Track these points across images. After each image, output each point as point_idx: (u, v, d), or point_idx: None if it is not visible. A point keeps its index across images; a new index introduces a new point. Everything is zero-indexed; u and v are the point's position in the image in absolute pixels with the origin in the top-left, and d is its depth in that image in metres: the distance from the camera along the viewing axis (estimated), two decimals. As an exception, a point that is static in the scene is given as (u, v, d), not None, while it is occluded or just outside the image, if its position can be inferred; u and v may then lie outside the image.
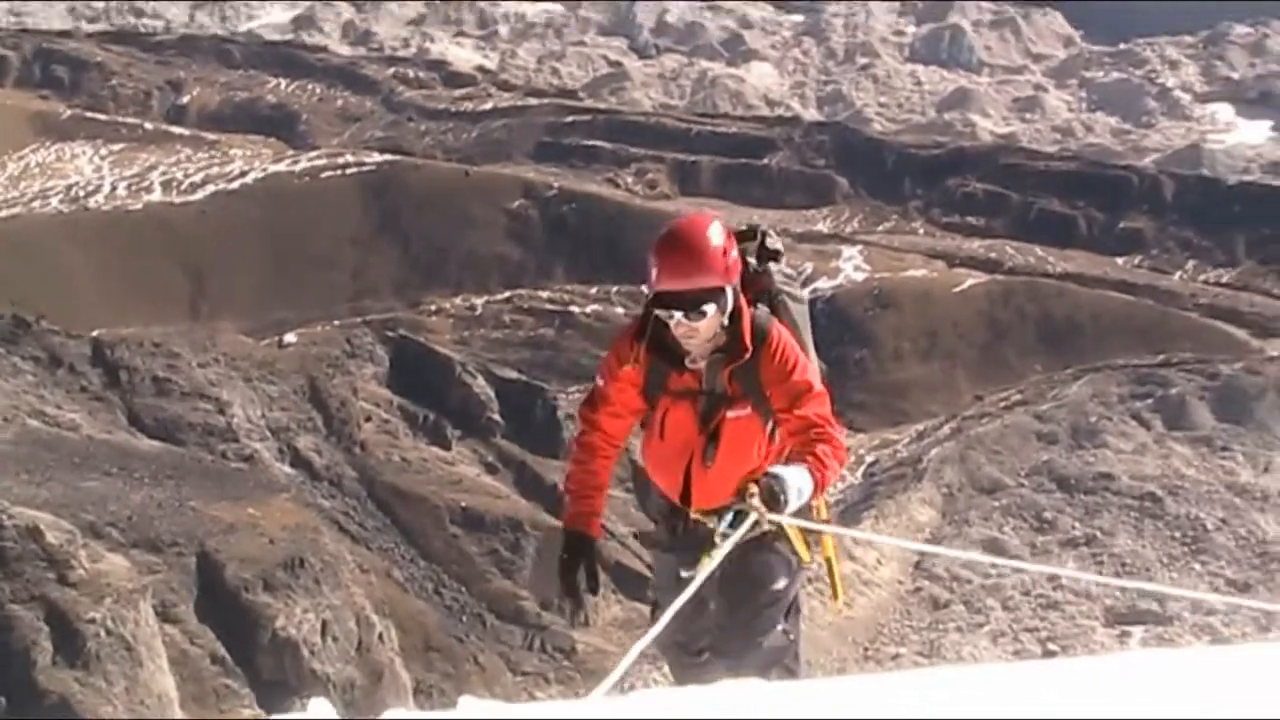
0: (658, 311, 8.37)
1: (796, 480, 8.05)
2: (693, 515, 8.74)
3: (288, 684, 54.17)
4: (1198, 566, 63.25)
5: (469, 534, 60.52)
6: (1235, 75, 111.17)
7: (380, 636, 59.79)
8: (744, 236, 8.98)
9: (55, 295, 74.81)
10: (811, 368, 8.78)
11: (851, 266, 79.35)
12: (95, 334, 71.49)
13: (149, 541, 60.90)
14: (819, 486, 8.26)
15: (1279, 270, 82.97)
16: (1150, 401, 71.63)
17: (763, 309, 8.69)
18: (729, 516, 8.08)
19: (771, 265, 9.00)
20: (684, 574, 8.20)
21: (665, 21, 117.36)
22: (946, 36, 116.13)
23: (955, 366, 74.31)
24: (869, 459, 70.44)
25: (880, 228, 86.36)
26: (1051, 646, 55.28)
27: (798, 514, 8.47)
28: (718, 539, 7.95)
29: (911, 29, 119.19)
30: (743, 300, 8.56)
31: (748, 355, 8.48)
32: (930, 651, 55.33)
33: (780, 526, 8.39)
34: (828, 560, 9.30)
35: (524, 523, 61.51)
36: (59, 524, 59.83)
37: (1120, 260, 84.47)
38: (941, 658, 53.05)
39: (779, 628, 9.00)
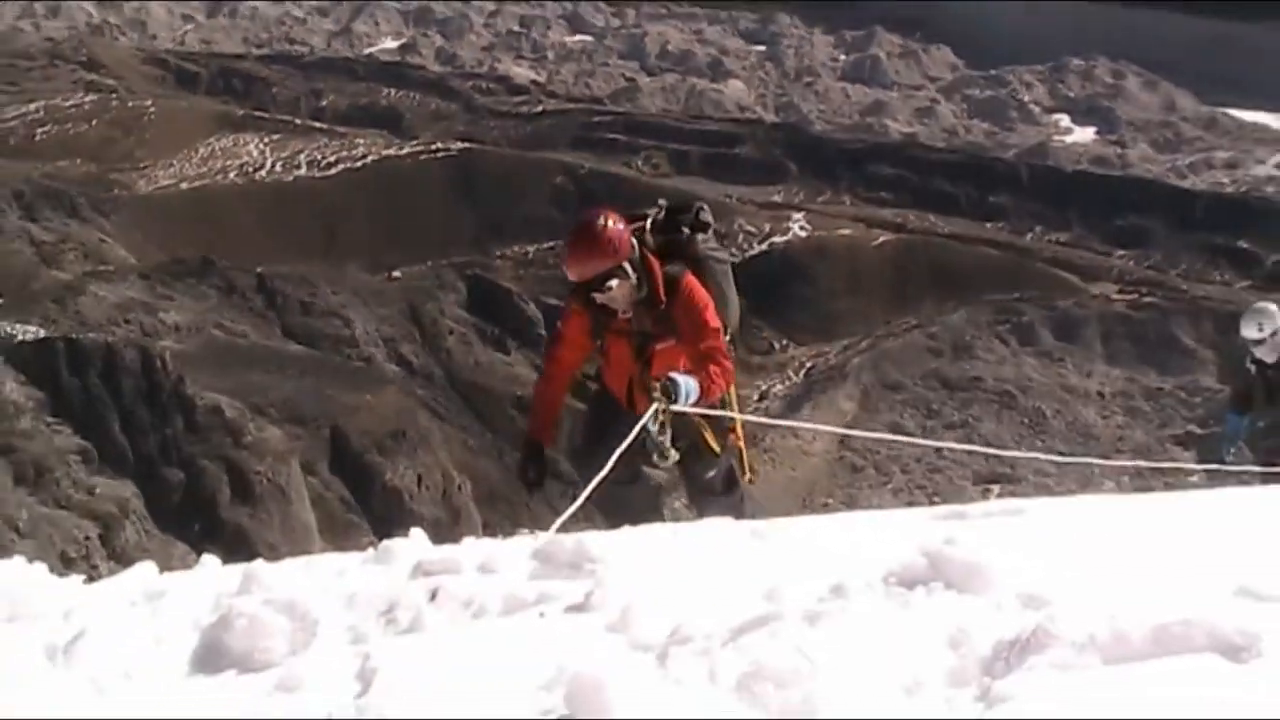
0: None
1: (687, 384, 8.08)
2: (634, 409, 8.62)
3: (394, 520, 54.23)
4: (1039, 443, 63.17)
5: (521, 415, 60.27)
6: (1071, 94, 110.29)
7: (459, 487, 59.84)
8: (680, 210, 8.97)
9: (231, 242, 74.65)
10: (718, 311, 8.73)
11: (797, 227, 78.96)
12: (259, 270, 71.34)
13: (296, 418, 60.94)
14: (705, 392, 8.24)
15: (1101, 233, 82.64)
16: (1008, 326, 71.54)
17: (677, 265, 8.60)
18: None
19: (699, 236, 8.92)
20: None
21: (666, 50, 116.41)
22: (868, 63, 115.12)
23: (871, 299, 74.04)
24: (808, 364, 70.29)
25: (819, 199, 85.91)
26: (935, 499, 55.39)
27: (711, 423, 8.82)
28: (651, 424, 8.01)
29: (843, 57, 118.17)
30: (651, 262, 8.51)
31: (661, 304, 8.48)
32: (850, 502, 55.40)
33: (694, 424, 8.56)
34: (739, 448, 9.47)
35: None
36: (234, 404, 59.87)
37: (989, 225, 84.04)
38: (858, 506, 53.17)
39: (722, 496, 9.14)
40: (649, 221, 8.81)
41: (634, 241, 8.45)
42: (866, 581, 4.72)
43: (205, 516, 56.50)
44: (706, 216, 8.98)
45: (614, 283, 8.30)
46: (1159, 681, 3.41)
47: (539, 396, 9.25)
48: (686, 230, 8.86)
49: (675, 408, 8.06)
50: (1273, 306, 12.96)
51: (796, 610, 4.46)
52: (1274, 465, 12.37)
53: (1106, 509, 7.14)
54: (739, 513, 8.45)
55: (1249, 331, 12.86)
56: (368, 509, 58.12)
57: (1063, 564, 4.76)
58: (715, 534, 6.45)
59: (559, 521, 6.36)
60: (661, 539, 6.22)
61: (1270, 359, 12.76)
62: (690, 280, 8.55)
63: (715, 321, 8.56)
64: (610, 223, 8.38)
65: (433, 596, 5.40)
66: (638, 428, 7.83)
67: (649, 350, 8.60)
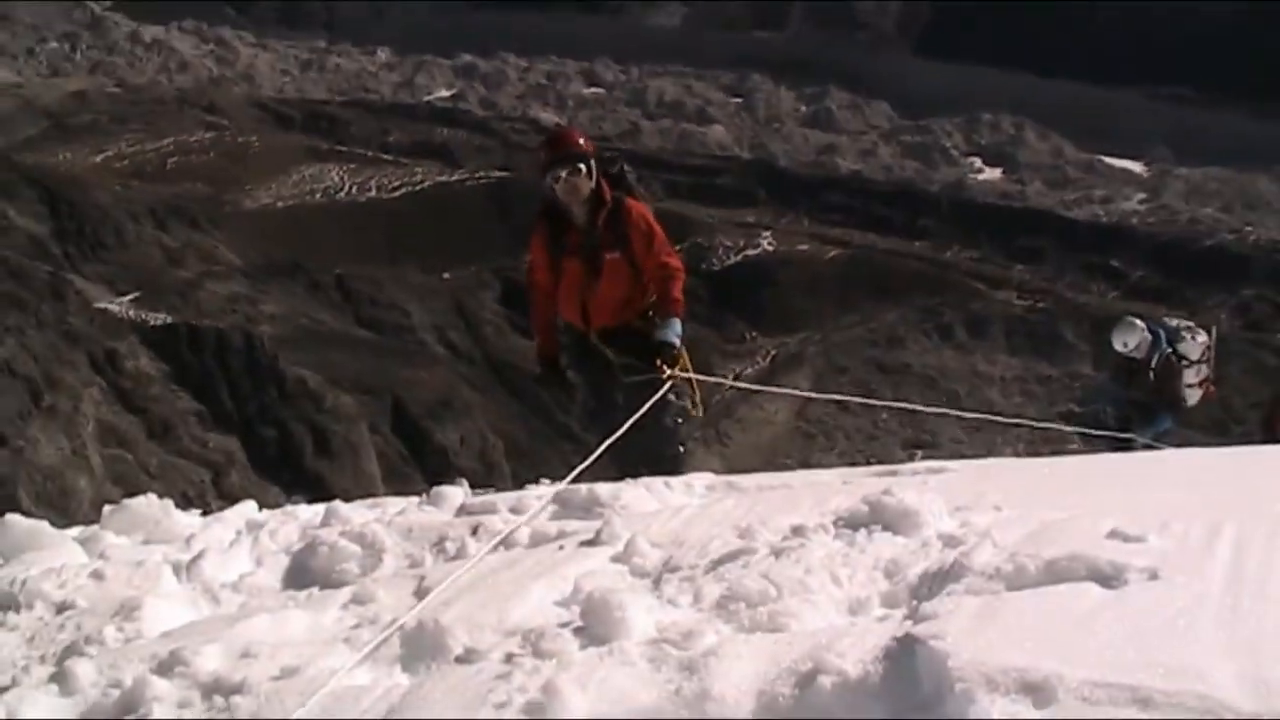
0: (548, 179, 7.93)
1: (674, 331, 7.84)
2: (592, 338, 8.20)
3: (440, 471, 54.27)
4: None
5: (538, 385, 60.59)
6: (983, 141, 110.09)
7: (493, 446, 59.90)
8: (609, 162, 8.35)
9: (316, 249, 74.57)
10: (657, 224, 8.18)
11: (765, 242, 78.92)
12: (338, 271, 71.39)
13: (365, 388, 61.00)
14: (680, 314, 7.96)
15: (1005, 251, 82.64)
16: (931, 324, 71.58)
17: (622, 190, 8.14)
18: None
19: (625, 169, 8.44)
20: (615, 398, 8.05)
21: (663, 100, 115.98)
22: (823, 113, 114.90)
23: (823, 301, 73.95)
24: (772, 352, 70.29)
25: (782, 221, 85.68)
26: (872, 460, 55.35)
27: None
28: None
29: (803, 107, 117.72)
30: (602, 179, 8.00)
31: (608, 205, 7.96)
32: (804, 462, 55.33)
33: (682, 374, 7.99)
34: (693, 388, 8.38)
35: (576, 387, 61.81)
36: (316, 377, 59.95)
37: (917, 243, 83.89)
38: (810, 465, 53.16)
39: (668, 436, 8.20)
40: None
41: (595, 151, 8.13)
42: (820, 524, 4.72)
43: (293, 466, 56.65)
44: (621, 166, 8.48)
45: (582, 169, 7.86)
46: (1049, 602, 3.43)
47: (536, 323, 8.66)
48: (614, 171, 8.30)
49: (681, 374, 7.90)
50: (1138, 322, 12.93)
51: (764, 546, 4.47)
52: (1129, 436, 12.50)
53: (1008, 469, 7.17)
54: (676, 437, 8.26)
55: (1117, 345, 12.85)
56: (420, 462, 58.20)
57: (976, 512, 4.77)
58: (701, 485, 6.45)
59: (571, 477, 6.11)
60: (657, 488, 6.22)
61: (1139, 356, 12.79)
62: (634, 201, 8.16)
63: (662, 232, 8.15)
64: (582, 135, 8.31)
65: (474, 531, 5.41)
66: (651, 402, 7.42)
67: (599, 259, 7.97)
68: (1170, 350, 12.68)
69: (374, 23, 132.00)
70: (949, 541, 4.36)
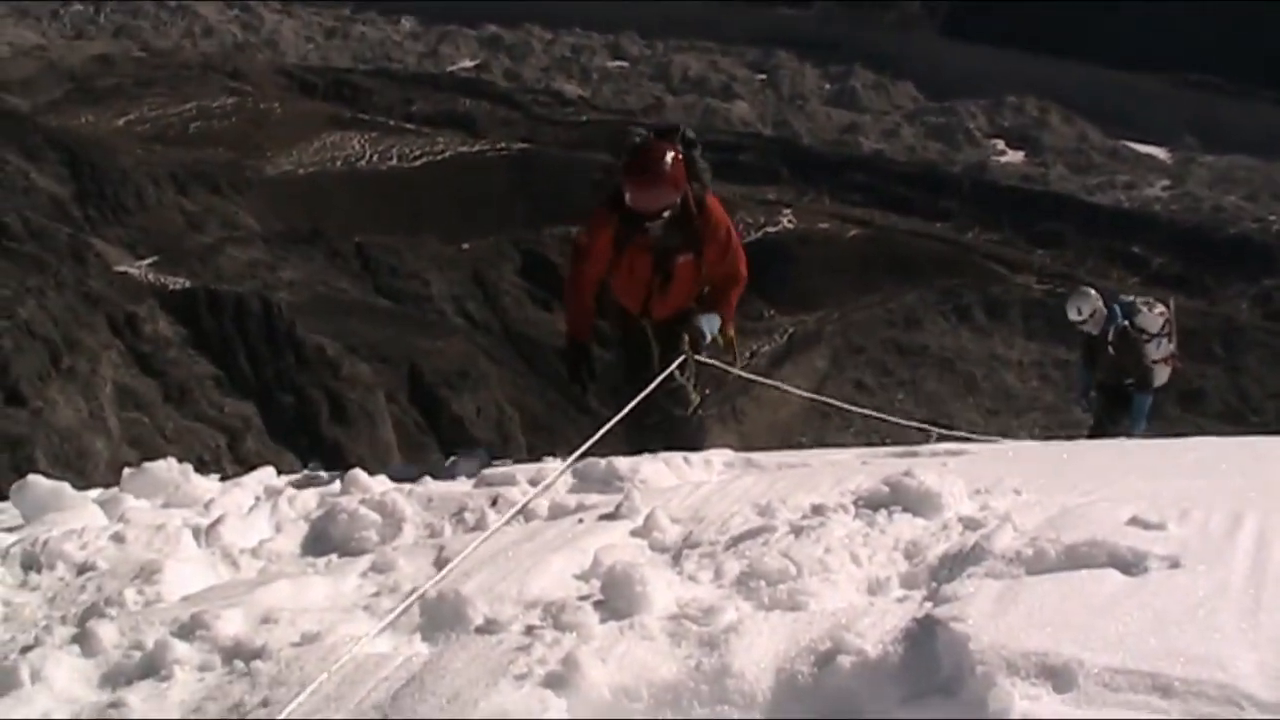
0: (637, 218, 7.25)
1: (710, 326, 7.45)
2: (644, 324, 7.74)
3: (456, 442, 54.37)
4: (970, 400, 63.34)
5: (562, 362, 60.77)
6: (1006, 124, 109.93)
7: (509, 417, 60.04)
8: (670, 133, 7.52)
9: (336, 217, 74.78)
10: (735, 231, 7.72)
11: (786, 220, 78.89)
12: (357, 239, 71.50)
13: (383, 357, 61.17)
14: (726, 319, 7.65)
15: (1025, 235, 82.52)
16: (950, 305, 71.59)
17: (697, 185, 7.40)
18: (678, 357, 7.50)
19: (693, 152, 7.51)
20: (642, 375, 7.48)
21: (687, 75, 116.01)
22: (847, 92, 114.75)
23: (842, 280, 73.90)
24: (790, 330, 70.25)
25: (804, 199, 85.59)
26: (887, 441, 55.45)
27: (714, 349, 7.86)
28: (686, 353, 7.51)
29: (827, 86, 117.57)
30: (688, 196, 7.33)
31: (695, 221, 7.28)
32: (819, 441, 55.37)
33: (710, 346, 7.66)
34: (730, 341, 8.03)
35: (595, 360, 61.89)
36: (334, 345, 60.12)
37: (938, 224, 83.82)
38: (826, 444, 53.21)
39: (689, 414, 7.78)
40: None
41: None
42: (840, 504, 4.72)
43: (309, 433, 56.84)
44: (692, 135, 7.68)
45: (668, 212, 7.21)
46: (1070, 588, 3.44)
47: (573, 308, 7.88)
48: (683, 150, 7.48)
49: (700, 359, 7.64)
50: (1091, 291, 12.88)
51: (784, 524, 4.47)
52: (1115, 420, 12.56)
53: (1027, 453, 7.16)
54: (694, 424, 7.87)
55: (1070, 314, 12.78)
56: (436, 432, 58.38)
57: (995, 495, 4.77)
58: (720, 461, 6.45)
59: (582, 449, 6.04)
60: (675, 464, 6.22)
61: (1096, 332, 12.74)
62: (715, 201, 7.54)
63: (738, 238, 7.69)
64: (675, 156, 7.20)
65: (494, 502, 5.42)
66: (662, 376, 7.17)
67: (670, 263, 7.45)
68: (1126, 323, 12.62)
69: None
70: (969, 524, 4.36)
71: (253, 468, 6.96)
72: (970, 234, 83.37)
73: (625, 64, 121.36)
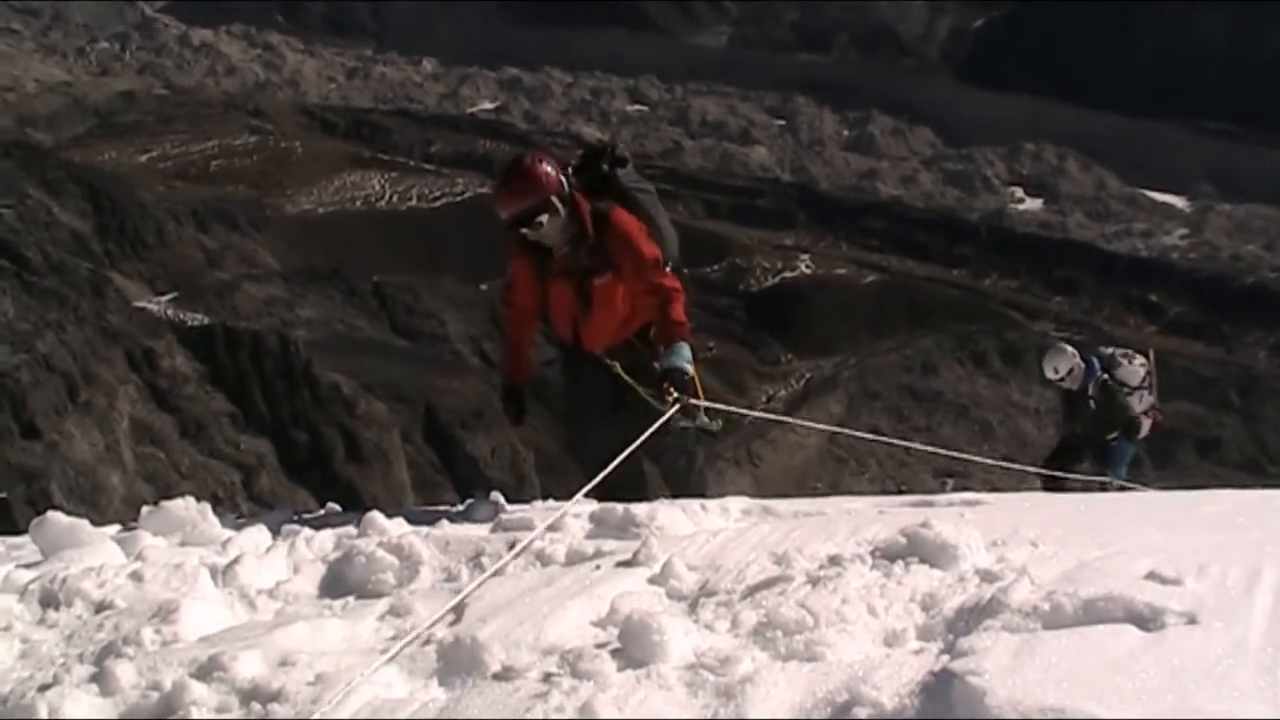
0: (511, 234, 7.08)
1: (682, 360, 6.83)
2: (591, 352, 7.31)
3: (471, 481, 54.42)
4: (986, 446, 63.13)
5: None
6: (1024, 171, 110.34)
7: (524, 459, 59.98)
8: (600, 152, 7.43)
9: (355, 256, 75.09)
10: (657, 241, 7.24)
11: (804, 265, 79.08)
12: (375, 278, 71.76)
13: (398, 396, 61.27)
14: (686, 339, 7.00)
15: (1043, 282, 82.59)
16: (966, 352, 71.62)
17: (605, 201, 7.11)
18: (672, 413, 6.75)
19: (619, 170, 7.37)
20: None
21: (706, 119, 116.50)
22: (865, 138, 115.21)
23: (859, 325, 74.01)
24: (807, 375, 70.34)
25: (821, 244, 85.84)
26: (903, 488, 55.36)
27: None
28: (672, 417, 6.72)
29: (846, 131, 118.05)
30: (579, 199, 7.03)
31: (590, 238, 6.98)
32: (835, 487, 55.41)
33: (694, 396, 6.88)
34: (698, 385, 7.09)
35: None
36: (350, 383, 60.23)
37: (955, 271, 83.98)
38: (841, 490, 53.20)
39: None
40: (570, 167, 7.37)
41: (563, 179, 7.05)
42: (857, 554, 4.73)
43: (323, 471, 56.88)
44: (623, 152, 7.49)
45: (544, 218, 6.92)
46: (1087, 643, 3.44)
47: (507, 345, 7.83)
48: (605, 167, 7.39)
49: (696, 402, 6.92)
50: (1067, 348, 12.72)
51: (801, 574, 4.48)
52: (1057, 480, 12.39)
53: (1044, 504, 7.15)
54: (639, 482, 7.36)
55: (1047, 373, 12.60)
56: (451, 472, 58.42)
57: (1012, 547, 4.77)
58: (736, 508, 6.45)
59: (576, 498, 5.96)
60: (692, 510, 6.22)
61: (1075, 388, 12.60)
62: (620, 213, 7.13)
63: (652, 250, 7.13)
64: (537, 161, 7.04)
65: (511, 547, 5.43)
66: (655, 426, 6.57)
67: (588, 285, 7.12)
68: (1106, 377, 12.48)
69: (422, 34, 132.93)
70: (986, 577, 4.36)
71: (267, 505, 6.97)
72: (987, 281, 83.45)
73: (644, 108, 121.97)
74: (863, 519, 5.74)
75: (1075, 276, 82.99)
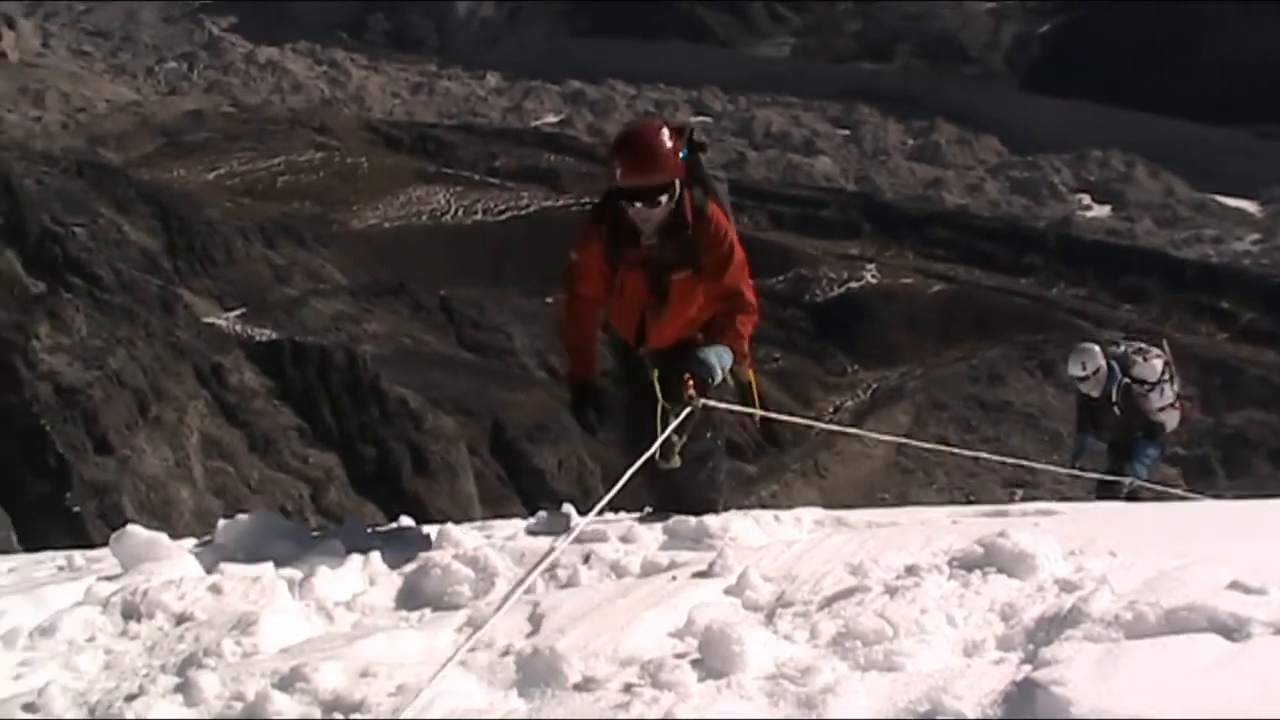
0: (621, 202, 6.49)
1: (719, 360, 6.37)
2: (641, 354, 6.84)
3: (537, 495, 54.50)
4: (1055, 456, 62.40)
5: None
6: (1091, 178, 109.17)
7: (590, 471, 59.95)
8: (680, 134, 6.69)
9: (421, 270, 75.46)
10: (738, 244, 6.73)
11: (869, 275, 78.65)
12: (442, 292, 72.05)
13: (465, 410, 61.43)
14: (737, 354, 6.55)
15: (1111, 290, 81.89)
16: (1034, 361, 70.96)
17: (699, 190, 6.69)
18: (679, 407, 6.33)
19: (700, 155, 6.85)
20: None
21: (770, 130, 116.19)
22: (930, 146, 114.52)
23: (925, 335, 73.55)
24: (873, 385, 70.02)
25: (887, 254, 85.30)
26: (971, 498, 55.01)
27: (729, 396, 6.89)
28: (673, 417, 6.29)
29: (910, 141, 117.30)
30: (686, 190, 6.58)
31: (688, 228, 6.52)
32: (902, 498, 55.11)
33: (721, 390, 6.54)
34: (750, 385, 7.08)
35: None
36: (417, 397, 60.42)
37: (1022, 280, 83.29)
38: (909, 502, 52.96)
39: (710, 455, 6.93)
40: None
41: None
42: (933, 564, 4.71)
43: (391, 485, 57.07)
44: (700, 137, 6.95)
45: (664, 199, 6.43)
46: (1171, 653, 3.41)
47: (572, 339, 7.13)
48: (684, 152, 6.71)
49: (710, 404, 6.47)
50: (1095, 347, 12.38)
51: (878, 584, 4.47)
52: (1108, 484, 12.07)
53: (1119, 514, 7.09)
54: (712, 485, 6.99)
55: (1074, 370, 12.25)
56: (517, 485, 58.48)
57: (1090, 557, 4.74)
58: (809, 519, 6.45)
59: (594, 512, 5.82)
60: (765, 521, 6.23)
61: (1094, 393, 12.26)
62: (717, 209, 6.73)
63: (742, 253, 6.74)
64: (671, 137, 6.50)
65: (586, 559, 5.45)
66: (672, 427, 6.25)
67: (666, 280, 6.65)
68: (1127, 380, 12.22)
69: (485, 48, 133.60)
70: (1065, 586, 4.33)
71: (335, 519, 7.04)
72: (1055, 289, 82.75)
73: (708, 119, 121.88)
74: (937, 529, 5.73)
75: (1144, 284, 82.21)
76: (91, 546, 6.66)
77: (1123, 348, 12.62)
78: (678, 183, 6.47)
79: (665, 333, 6.79)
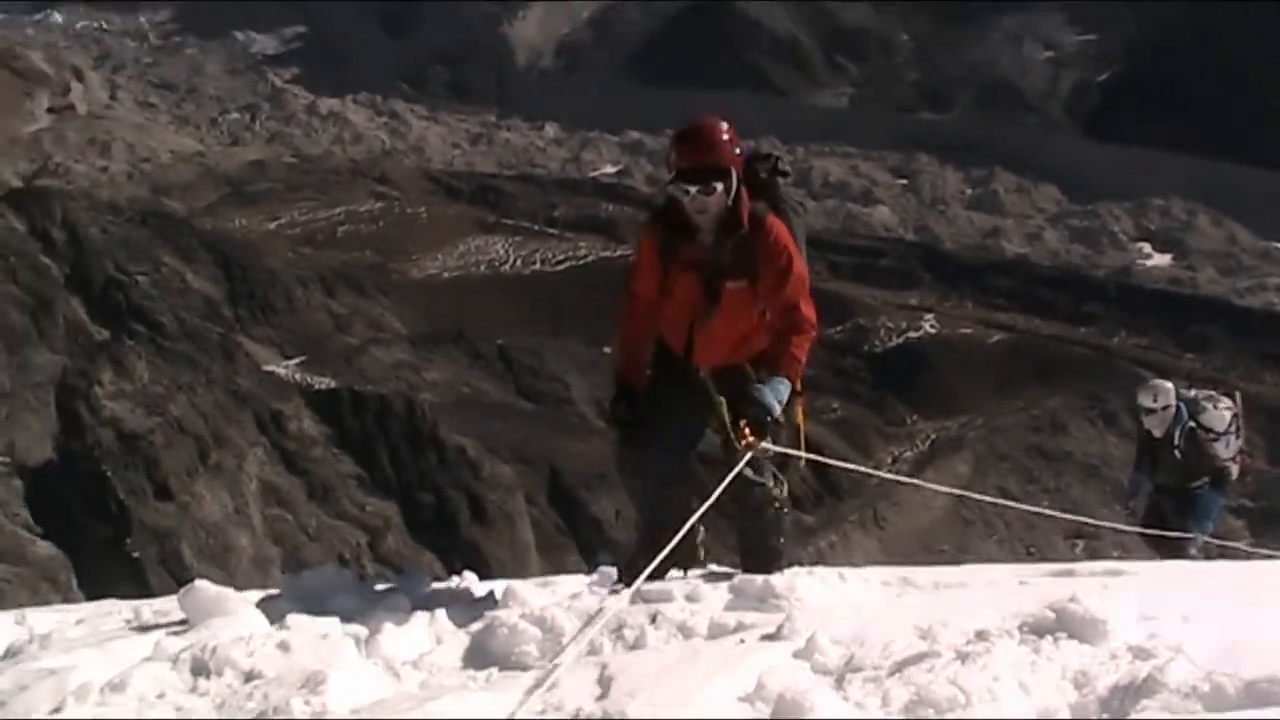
0: (673, 189, 6.47)
1: (777, 395, 6.23)
2: (700, 372, 6.63)
3: (594, 544, 54.49)
4: (1117, 507, 61.77)
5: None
6: (1152, 227, 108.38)
7: (648, 520, 59.76)
8: (763, 158, 6.86)
9: (479, 319, 75.70)
10: (799, 259, 6.62)
11: (928, 325, 78.32)
12: (500, 341, 72.28)
13: (523, 458, 61.46)
14: (794, 379, 6.38)
15: (1174, 339, 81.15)
16: (1096, 411, 70.28)
17: (763, 204, 6.55)
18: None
19: (780, 179, 6.86)
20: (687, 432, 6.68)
21: (829, 180, 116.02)
22: (989, 195, 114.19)
23: (985, 385, 73.06)
24: (933, 435, 69.53)
25: (946, 304, 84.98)
26: (1031, 550, 54.59)
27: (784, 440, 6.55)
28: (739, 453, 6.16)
29: (969, 190, 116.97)
30: (744, 191, 6.49)
31: (744, 229, 6.43)
32: (963, 548, 54.71)
33: (777, 427, 6.38)
34: (797, 427, 6.69)
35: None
36: (475, 446, 60.56)
37: (1082, 329, 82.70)
38: (969, 553, 52.56)
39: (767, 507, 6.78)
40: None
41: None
42: (1004, 629, 4.68)
43: (448, 533, 57.15)
44: (785, 166, 6.98)
45: (719, 185, 6.36)
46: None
47: (624, 337, 6.98)
48: (765, 174, 6.82)
49: (771, 448, 6.36)
50: (1169, 384, 12.24)
51: (949, 649, 4.43)
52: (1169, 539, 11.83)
53: (1190, 574, 7.01)
54: (777, 530, 6.88)
55: (1144, 399, 12.06)
56: (575, 533, 58.40)
57: (1163, 621, 4.68)
58: (877, 579, 6.41)
59: (644, 574, 5.71)
60: (831, 581, 6.19)
61: (1158, 432, 12.06)
62: (779, 223, 6.60)
63: (802, 268, 6.63)
64: (729, 132, 6.50)
65: (653, 619, 5.44)
66: (730, 476, 6.13)
67: (719, 285, 6.53)
68: (1193, 425, 12.03)
69: (544, 99, 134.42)
70: (1138, 653, 4.29)
71: (393, 566, 7.07)
72: (1116, 338, 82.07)
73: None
74: (1005, 591, 5.69)
75: (1207, 333, 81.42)
76: (150, 590, 6.72)
77: (1194, 393, 12.49)
78: (734, 177, 6.46)
79: (714, 347, 6.66)
